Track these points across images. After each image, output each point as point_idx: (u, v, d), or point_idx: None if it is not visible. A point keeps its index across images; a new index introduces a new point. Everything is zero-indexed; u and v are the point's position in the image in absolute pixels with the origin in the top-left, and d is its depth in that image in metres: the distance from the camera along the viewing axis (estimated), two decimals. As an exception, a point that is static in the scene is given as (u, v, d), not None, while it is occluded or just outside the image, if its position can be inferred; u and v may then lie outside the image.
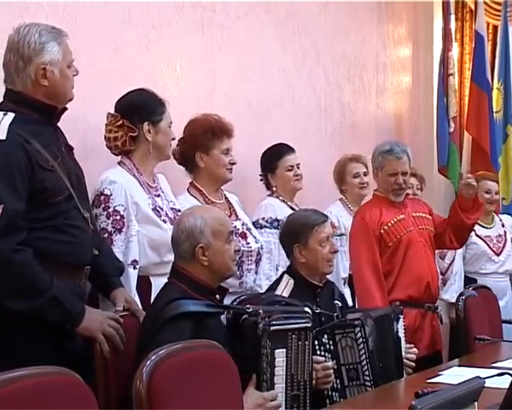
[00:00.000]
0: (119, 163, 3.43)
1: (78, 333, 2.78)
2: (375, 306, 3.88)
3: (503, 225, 5.70)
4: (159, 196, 3.45)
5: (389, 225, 4.17)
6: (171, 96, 3.58)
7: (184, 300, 2.76)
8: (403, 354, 3.54)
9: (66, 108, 2.94)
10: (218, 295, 2.92)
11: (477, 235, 5.55)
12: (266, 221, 4.23)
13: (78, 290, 2.87)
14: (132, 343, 2.81)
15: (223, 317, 2.99)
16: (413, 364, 3.59)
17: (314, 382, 3.06)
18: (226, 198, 3.93)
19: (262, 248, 3.88)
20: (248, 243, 3.81)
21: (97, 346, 2.78)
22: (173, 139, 3.56)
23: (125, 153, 3.43)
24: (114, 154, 3.45)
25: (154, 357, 2.30)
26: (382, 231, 4.15)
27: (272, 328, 2.78)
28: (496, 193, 5.66)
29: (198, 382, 2.39)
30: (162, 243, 3.28)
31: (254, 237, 3.87)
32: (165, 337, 2.58)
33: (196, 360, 2.44)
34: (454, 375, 3.22)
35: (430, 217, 4.37)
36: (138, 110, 3.41)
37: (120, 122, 3.39)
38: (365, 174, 4.91)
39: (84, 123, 3.50)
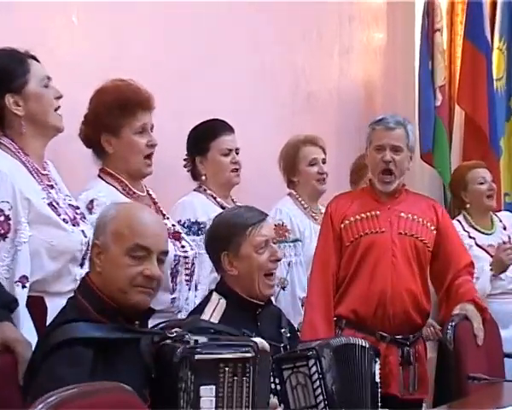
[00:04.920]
0: None
1: None
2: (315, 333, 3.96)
3: (504, 228, 5.74)
4: (52, 187, 3.42)
5: (351, 219, 4.25)
6: (63, 56, 3.55)
7: (83, 322, 2.71)
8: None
9: None
10: (137, 322, 2.84)
11: (478, 245, 5.53)
12: (183, 225, 4.19)
13: None
14: (9, 386, 2.80)
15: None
16: None
17: None
18: (149, 194, 3.93)
19: (196, 257, 3.88)
20: (183, 247, 3.82)
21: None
22: (59, 97, 3.41)
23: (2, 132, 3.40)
24: None
25: (40, 406, 2.28)
26: (342, 226, 4.24)
27: (197, 356, 2.68)
28: (492, 181, 5.64)
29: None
30: (63, 250, 3.25)
31: (188, 242, 3.88)
32: (54, 368, 2.57)
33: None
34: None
35: (432, 227, 4.35)
36: None
37: None
38: (324, 161, 4.93)
39: None
